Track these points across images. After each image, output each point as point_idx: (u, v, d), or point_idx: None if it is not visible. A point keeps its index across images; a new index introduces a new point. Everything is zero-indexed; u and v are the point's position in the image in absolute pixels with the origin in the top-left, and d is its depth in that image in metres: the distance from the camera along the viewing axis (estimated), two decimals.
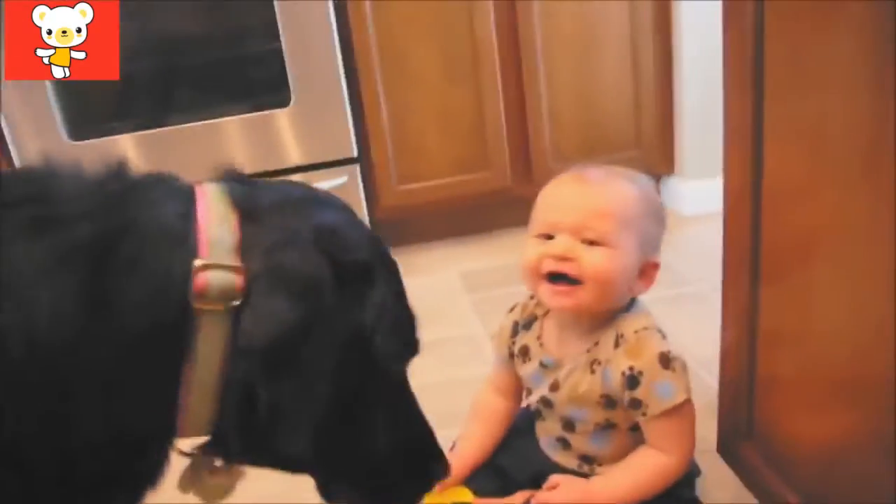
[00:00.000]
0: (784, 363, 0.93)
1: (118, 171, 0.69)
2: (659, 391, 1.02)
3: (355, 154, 2.31)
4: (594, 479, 1.09)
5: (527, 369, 1.16)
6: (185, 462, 0.79)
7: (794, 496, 0.93)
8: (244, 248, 0.67)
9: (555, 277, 1.04)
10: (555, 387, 1.11)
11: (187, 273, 0.65)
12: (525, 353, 1.17)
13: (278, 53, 2.19)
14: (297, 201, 0.73)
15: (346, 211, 0.79)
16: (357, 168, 2.32)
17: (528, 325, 1.18)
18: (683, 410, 1.04)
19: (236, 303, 0.66)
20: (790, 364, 0.92)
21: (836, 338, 0.82)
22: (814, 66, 0.79)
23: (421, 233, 2.53)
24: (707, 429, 1.16)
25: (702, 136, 2.40)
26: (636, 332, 1.05)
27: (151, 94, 2.31)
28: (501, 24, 2.31)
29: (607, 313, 1.08)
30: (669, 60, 2.41)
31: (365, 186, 2.35)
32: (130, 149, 2.23)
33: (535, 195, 1.13)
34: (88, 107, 2.29)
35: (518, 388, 1.23)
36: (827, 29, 0.76)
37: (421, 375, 1.62)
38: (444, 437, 1.28)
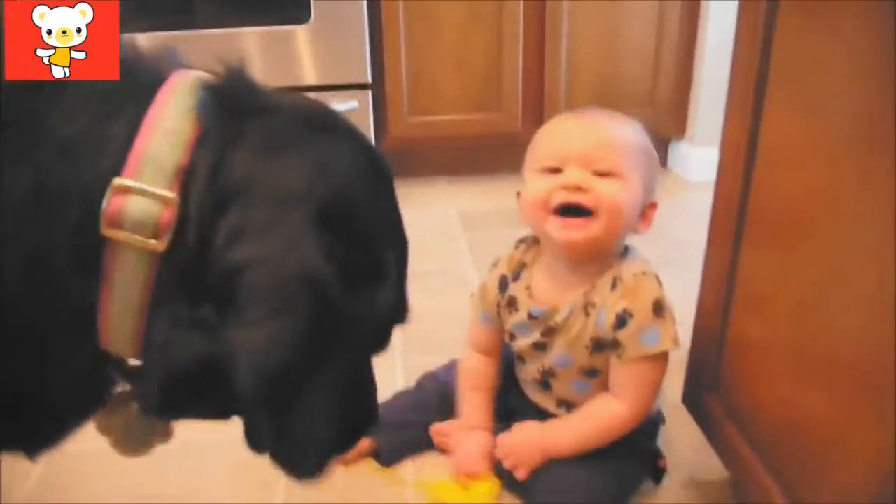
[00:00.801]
0: (754, 325, 0.95)
1: None
2: (643, 336, 1.02)
3: (369, 80, 2.30)
4: (548, 423, 1.11)
5: (513, 319, 1.15)
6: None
7: (749, 448, 0.96)
8: (188, 175, 0.56)
9: (566, 210, 1.02)
10: (549, 332, 1.10)
11: (98, 192, 0.54)
12: (512, 304, 1.15)
13: None
14: (298, 133, 0.60)
15: (356, 150, 0.63)
16: (369, 94, 2.31)
17: (516, 277, 1.16)
18: (658, 361, 1.04)
19: (154, 242, 0.55)
20: (760, 327, 0.94)
21: (807, 310, 0.84)
22: (820, 46, 0.80)
23: (426, 166, 2.54)
24: (676, 385, 1.19)
25: (717, 105, 2.38)
26: (634, 275, 1.04)
27: None
28: None
29: (604, 258, 1.07)
30: (695, 25, 2.39)
31: (375, 114, 2.35)
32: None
33: None
34: None
35: (500, 344, 1.22)
36: (836, 16, 0.77)
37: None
38: (426, 363, 1.33)
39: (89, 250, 0.55)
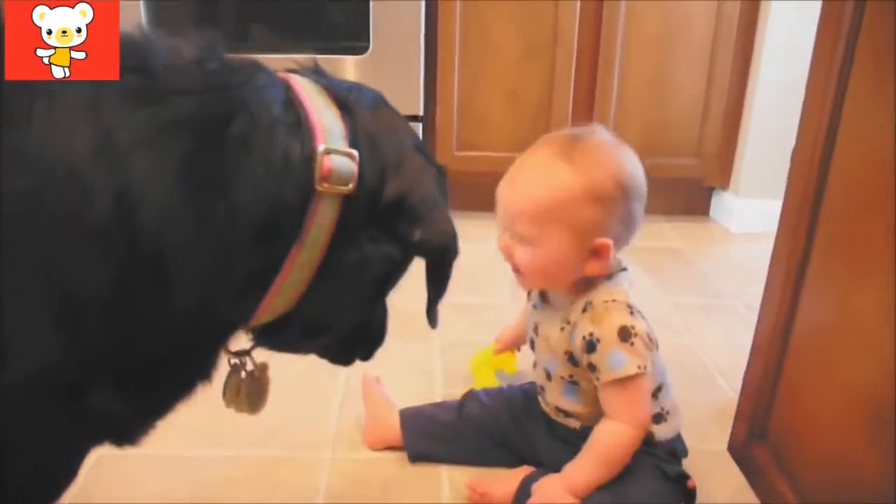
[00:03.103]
0: (810, 375, 0.95)
1: (215, 50, 0.69)
2: (611, 360, 1.06)
3: (421, 112, 2.34)
4: (564, 469, 1.12)
5: (529, 308, 1.26)
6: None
7: (795, 497, 0.95)
8: (350, 137, 0.72)
9: None
10: (536, 330, 1.20)
11: (309, 157, 0.68)
12: (529, 294, 1.27)
13: (366, 1, 2.23)
14: (382, 107, 0.79)
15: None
16: (420, 127, 2.35)
17: None
18: (635, 382, 1.06)
19: (349, 187, 0.70)
20: (816, 376, 0.94)
21: (867, 362, 0.83)
22: (890, 99, 0.80)
23: (470, 201, 2.56)
24: (721, 431, 1.19)
25: (763, 158, 2.40)
26: (605, 301, 1.09)
27: (230, 21, 2.36)
28: (586, 12, 2.33)
29: (583, 281, 1.12)
30: (746, 78, 2.41)
31: None
32: None
33: None
34: (167, 25, 2.34)
35: None
36: None
37: (447, 335, 1.68)
38: (449, 396, 1.34)
39: (303, 205, 0.68)
